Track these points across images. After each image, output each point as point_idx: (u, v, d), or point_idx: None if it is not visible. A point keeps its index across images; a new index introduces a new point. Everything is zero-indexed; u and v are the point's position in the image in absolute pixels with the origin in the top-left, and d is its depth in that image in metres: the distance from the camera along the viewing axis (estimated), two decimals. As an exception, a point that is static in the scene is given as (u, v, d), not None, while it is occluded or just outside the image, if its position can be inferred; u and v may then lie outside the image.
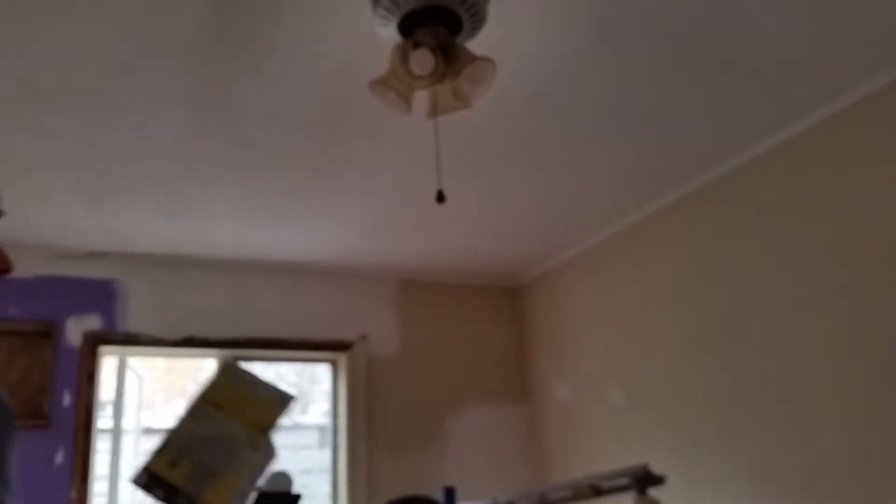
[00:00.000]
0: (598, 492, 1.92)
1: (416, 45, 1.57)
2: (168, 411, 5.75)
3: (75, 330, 3.16)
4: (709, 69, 2.10)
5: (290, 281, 3.59)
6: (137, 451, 3.59)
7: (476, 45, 1.69)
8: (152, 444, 1.14)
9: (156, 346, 3.28)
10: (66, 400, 3.06)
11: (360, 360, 3.61)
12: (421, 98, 1.84)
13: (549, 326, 3.80)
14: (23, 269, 3.29)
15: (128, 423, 3.48)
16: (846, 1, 1.83)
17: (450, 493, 2.00)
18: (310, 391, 5.01)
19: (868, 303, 2.18)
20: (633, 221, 3.22)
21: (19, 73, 1.92)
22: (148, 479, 1.05)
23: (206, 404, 1.14)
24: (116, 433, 3.34)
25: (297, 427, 4.73)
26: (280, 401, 1.17)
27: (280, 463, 1.71)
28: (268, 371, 4.74)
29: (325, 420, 3.76)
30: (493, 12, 1.70)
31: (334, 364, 3.70)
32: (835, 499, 2.22)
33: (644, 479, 1.76)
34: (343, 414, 3.53)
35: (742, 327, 2.62)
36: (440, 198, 1.80)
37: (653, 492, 1.74)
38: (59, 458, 2.98)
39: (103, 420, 3.31)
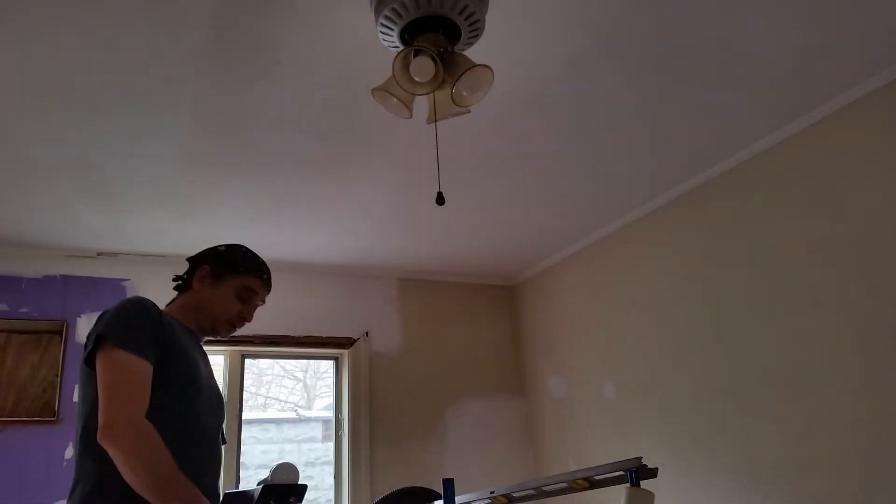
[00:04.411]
0: (592, 484, 1.96)
1: (417, 52, 1.61)
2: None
3: (86, 328, 3.20)
4: (699, 75, 2.13)
5: (296, 280, 3.64)
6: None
7: (474, 52, 1.74)
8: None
9: (164, 343, 3.33)
10: (77, 396, 3.11)
11: (362, 356, 3.66)
12: (421, 104, 1.89)
13: (545, 324, 3.84)
14: (34, 268, 3.37)
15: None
16: (833, 10, 1.87)
17: (449, 485, 2.04)
18: (314, 386, 5.07)
19: (856, 301, 2.22)
20: (626, 222, 3.26)
21: (31, 78, 1.96)
22: None
23: None
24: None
25: (302, 420, 4.80)
26: None
27: (286, 455, 1.77)
28: (274, 367, 4.80)
29: (329, 414, 3.82)
30: (491, 22, 1.75)
31: (337, 360, 3.76)
32: (826, 492, 2.26)
33: (637, 472, 1.79)
34: (346, 408, 3.59)
35: (732, 325, 2.66)
36: (440, 200, 1.82)
37: (646, 484, 1.77)
38: (69, 452, 3.02)
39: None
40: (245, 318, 1.59)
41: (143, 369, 1.29)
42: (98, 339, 1.32)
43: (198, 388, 1.42)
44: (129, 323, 1.33)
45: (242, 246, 1.66)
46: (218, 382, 1.66)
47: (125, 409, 1.23)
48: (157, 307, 1.43)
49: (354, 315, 3.72)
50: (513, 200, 3.02)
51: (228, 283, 1.56)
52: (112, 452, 1.21)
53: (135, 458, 1.20)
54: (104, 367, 1.29)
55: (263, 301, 1.66)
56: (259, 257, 1.66)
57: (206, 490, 1.35)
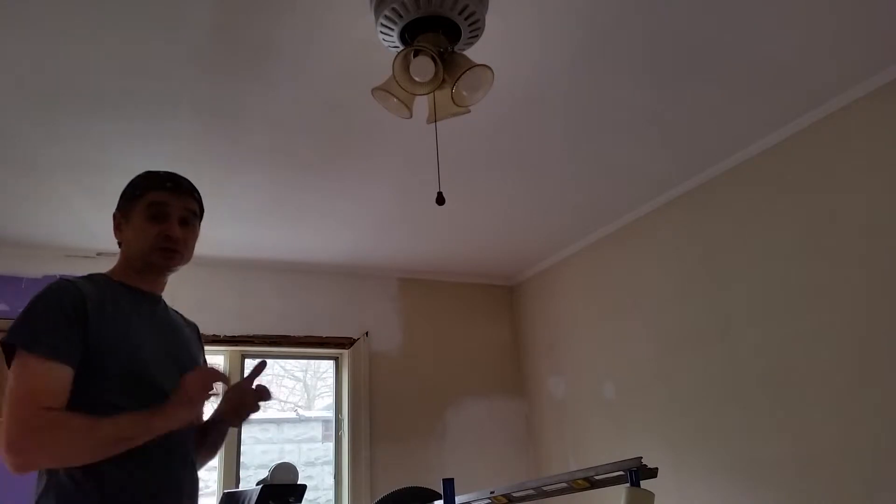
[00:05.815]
0: (592, 484, 1.96)
1: (417, 52, 1.61)
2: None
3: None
4: (700, 75, 2.14)
5: (295, 280, 3.65)
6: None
7: (474, 52, 1.75)
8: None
9: (164, 343, 3.33)
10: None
11: (362, 356, 3.67)
12: (421, 104, 1.89)
13: (545, 323, 3.84)
14: (34, 268, 3.37)
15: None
16: (833, 10, 1.87)
17: (449, 485, 2.04)
18: (314, 386, 5.07)
19: (856, 300, 2.23)
20: (626, 222, 3.26)
21: (32, 77, 1.97)
22: None
23: None
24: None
25: (302, 420, 4.80)
26: None
27: (286, 455, 1.77)
28: (274, 367, 4.80)
29: (329, 414, 3.82)
30: (491, 22, 1.75)
31: (337, 360, 3.76)
32: (826, 491, 2.26)
33: (637, 472, 1.79)
34: (346, 408, 3.59)
35: (731, 324, 2.66)
36: (440, 199, 1.82)
37: (646, 484, 1.78)
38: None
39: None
40: (169, 235, 1.40)
41: (54, 374, 1.19)
42: (6, 347, 1.22)
43: (142, 369, 1.31)
44: (41, 322, 1.22)
45: (142, 172, 1.49)
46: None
47: (24, 425, 1.15)
48: (80, 289, 1.28)
49: (354, 315, 3.72)
50: (513, 200, 3.02)
51: (136, 213, 1.43)
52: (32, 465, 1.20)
53: (60, 454, 1.17)
54: (11, 374, 1.19)
55: (189, 212, 1.45)
56: (160, 171, 1.47)
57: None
